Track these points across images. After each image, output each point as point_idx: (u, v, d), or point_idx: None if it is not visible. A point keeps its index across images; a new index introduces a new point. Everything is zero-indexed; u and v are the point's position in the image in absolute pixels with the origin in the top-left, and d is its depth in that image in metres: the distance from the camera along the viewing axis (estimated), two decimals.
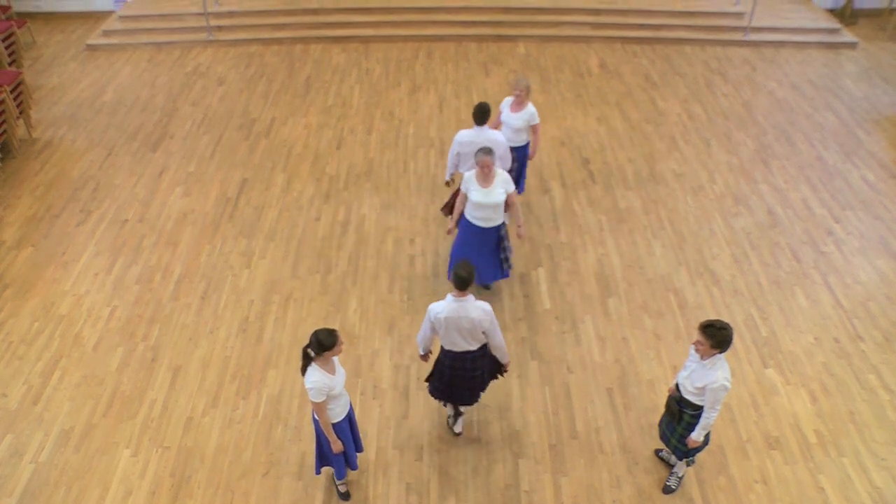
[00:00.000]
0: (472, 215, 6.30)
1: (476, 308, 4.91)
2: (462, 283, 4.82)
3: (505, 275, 6.69)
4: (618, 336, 6.60)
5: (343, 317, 6.79)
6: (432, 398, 5.70)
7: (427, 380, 5.57)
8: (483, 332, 5.03)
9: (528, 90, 7.00)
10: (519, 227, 6.45)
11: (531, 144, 7.40)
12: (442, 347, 5.23)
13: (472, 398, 5.50)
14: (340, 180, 8.58)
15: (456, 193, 6.92)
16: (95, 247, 7.62)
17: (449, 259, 6.85)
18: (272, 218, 7.98)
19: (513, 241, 7.52)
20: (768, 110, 10.03)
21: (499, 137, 6.60)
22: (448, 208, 7.26)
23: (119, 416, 5.91)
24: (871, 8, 12.89)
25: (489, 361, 5.36)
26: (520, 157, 7.37)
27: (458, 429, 5.75)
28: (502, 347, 5.20)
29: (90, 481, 5.43)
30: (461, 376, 5.27)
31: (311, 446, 5.61)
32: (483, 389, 5.52)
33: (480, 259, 6.48)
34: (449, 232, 6.63)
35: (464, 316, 4.89)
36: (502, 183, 6.14)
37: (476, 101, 10.04)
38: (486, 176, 6.08)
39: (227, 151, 9.11)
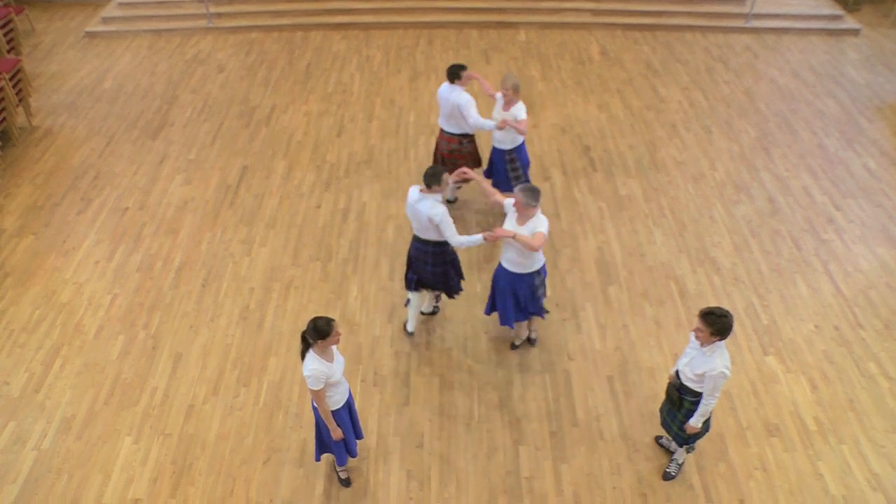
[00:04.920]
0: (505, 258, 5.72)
1: (427, 204, 5.42)
2: (426, 180, 5.38)
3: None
4: (618, 324, 6.61)
5: (344, 304, 6.80)
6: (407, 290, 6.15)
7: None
8: (437, 227, 5.47)
9: (516, 89, 6.76)
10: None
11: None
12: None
13: (435, 284, 6.01)
14: (341, 168, 8.56)
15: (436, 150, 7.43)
16: (96, 235, 7.62)
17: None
18: (273, 206, 7.97)
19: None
20: (770, 98, 9.99)
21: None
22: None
23: (120, 403, 5.93)
24: None
25: (452, 267, 5.96)
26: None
27: (410, 327, 6.34)
28: (461, 244, 5.52)
29: (92, 468, 5.46)
30: (420, 263, 5.87)
31: (311, 433, 5.63)
32: (450, 286, 6.03)
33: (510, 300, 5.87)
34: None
35: (416, 208, 5.47)
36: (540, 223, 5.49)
37: (477, 89, 10.02)
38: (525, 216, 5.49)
39: (228, 139, 9.09)
